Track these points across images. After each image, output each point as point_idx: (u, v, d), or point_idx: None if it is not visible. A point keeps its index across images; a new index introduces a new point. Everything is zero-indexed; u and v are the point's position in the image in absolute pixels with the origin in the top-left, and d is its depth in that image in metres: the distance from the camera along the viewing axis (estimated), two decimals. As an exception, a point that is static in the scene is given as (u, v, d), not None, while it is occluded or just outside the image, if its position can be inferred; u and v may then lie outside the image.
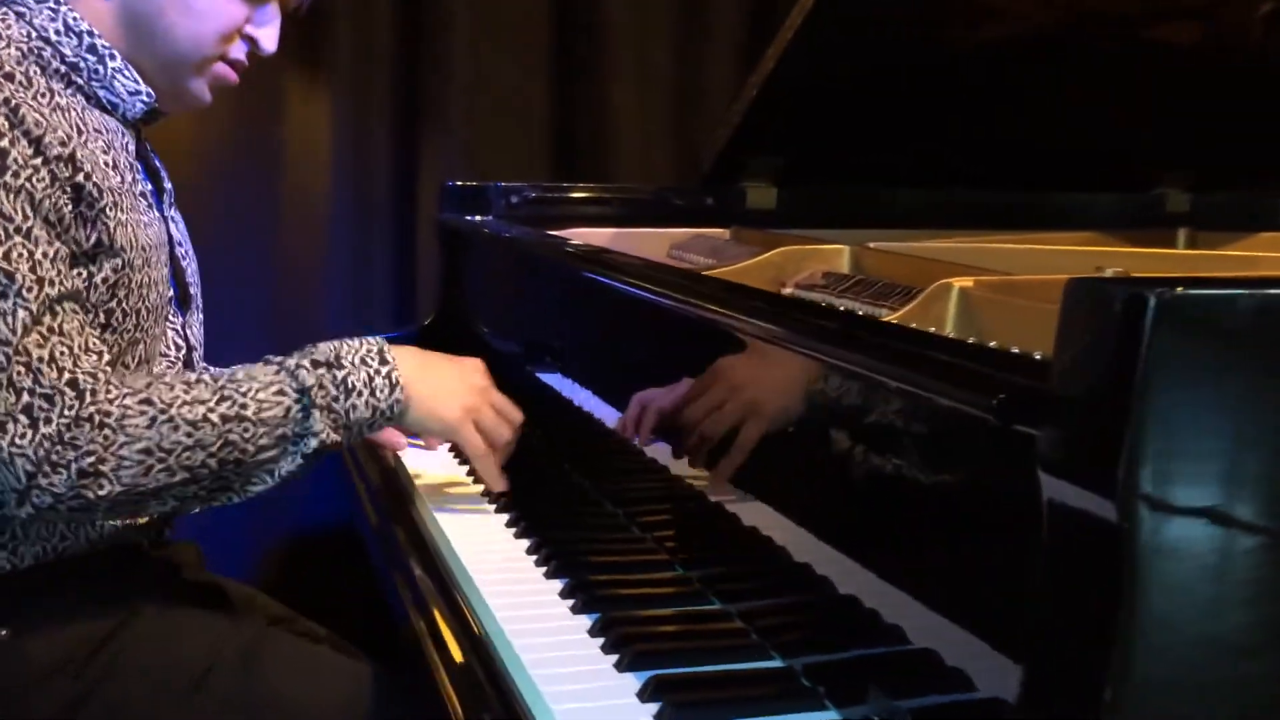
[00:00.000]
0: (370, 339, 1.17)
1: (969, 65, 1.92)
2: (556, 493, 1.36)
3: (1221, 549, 0.59)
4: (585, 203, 2.02)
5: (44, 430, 1.01)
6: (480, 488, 1.33)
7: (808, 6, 1.77)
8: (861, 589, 0.88)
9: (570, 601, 1.04)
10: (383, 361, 1.15)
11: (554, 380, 1.61)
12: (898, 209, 2.09)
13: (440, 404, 1.18)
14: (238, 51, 1.23)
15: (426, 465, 1.45)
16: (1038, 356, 0.69)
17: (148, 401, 1.06)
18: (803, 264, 1.64)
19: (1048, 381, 0.64)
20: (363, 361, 1.14)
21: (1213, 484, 0.59)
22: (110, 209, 1.11)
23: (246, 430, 1.08)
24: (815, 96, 1.95)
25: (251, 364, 1.14)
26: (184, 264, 1.29)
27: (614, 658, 0.93)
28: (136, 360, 1.17)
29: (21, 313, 1.02)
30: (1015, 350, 0.79)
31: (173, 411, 1.06)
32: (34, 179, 1.04)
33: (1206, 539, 0.59)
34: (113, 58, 1.17)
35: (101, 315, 1.12)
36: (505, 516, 1.25)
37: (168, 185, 1.30)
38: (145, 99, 1.20)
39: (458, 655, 0.99)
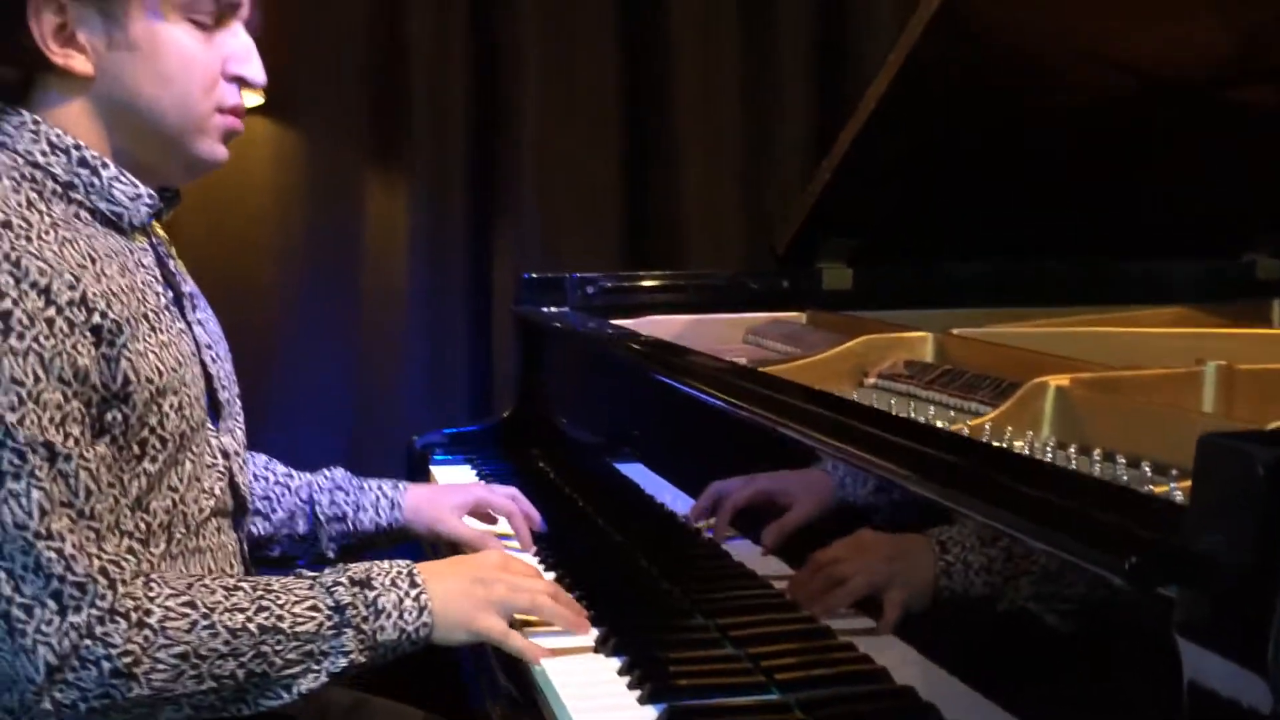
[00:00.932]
0: (400, 562, 1.16)
1: (1047, 134, 1.89)
2: (645, 604, 1.32)
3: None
4: (660, 290, 2.01)
5: (72, 619, 0.99)
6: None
7: (882, 90, 1.76)
8: (970, 715, 0.85)
9: (667, 732, 1.01)
10: (412, 584, 1.13)
11: (635, 471, 1.59)
12: (977, 285, 2.05)
13: (463, 617, 1.15)
14: (230, 96, 1.16)
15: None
16: (1172, 490, 0.65)
17: (191, 604, 1.04)
18: (885, 353, 1.61)
19: (1183, 534, 0.60)
20: (393, 584, 1.13)
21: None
22: (132, 341, 1.07)
23: (279, 643, 1.06)
24: (889, 175, 1.93)
25: (285, 575, 1.13)
26: (213, 369, 1.23)
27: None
28: (185, 481, 1.14)
29: (36, 493, 0.99)
30: (1146, 481, 0.75)
31: (214, 617, 1.04)
32: (42, 336, 1.01)
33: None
34: (105, 166, 1.12)
35: (136, 447, 1.08)
36: (595, 632, 1.22)
37: (187, 288, 1.25)
38: (148, 201, 1.15)
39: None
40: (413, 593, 1.13)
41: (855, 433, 0.98)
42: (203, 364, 1.21)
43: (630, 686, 1.10)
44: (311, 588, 1.10)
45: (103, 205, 1.13)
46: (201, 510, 1.17)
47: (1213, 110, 1.86)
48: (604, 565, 1.46)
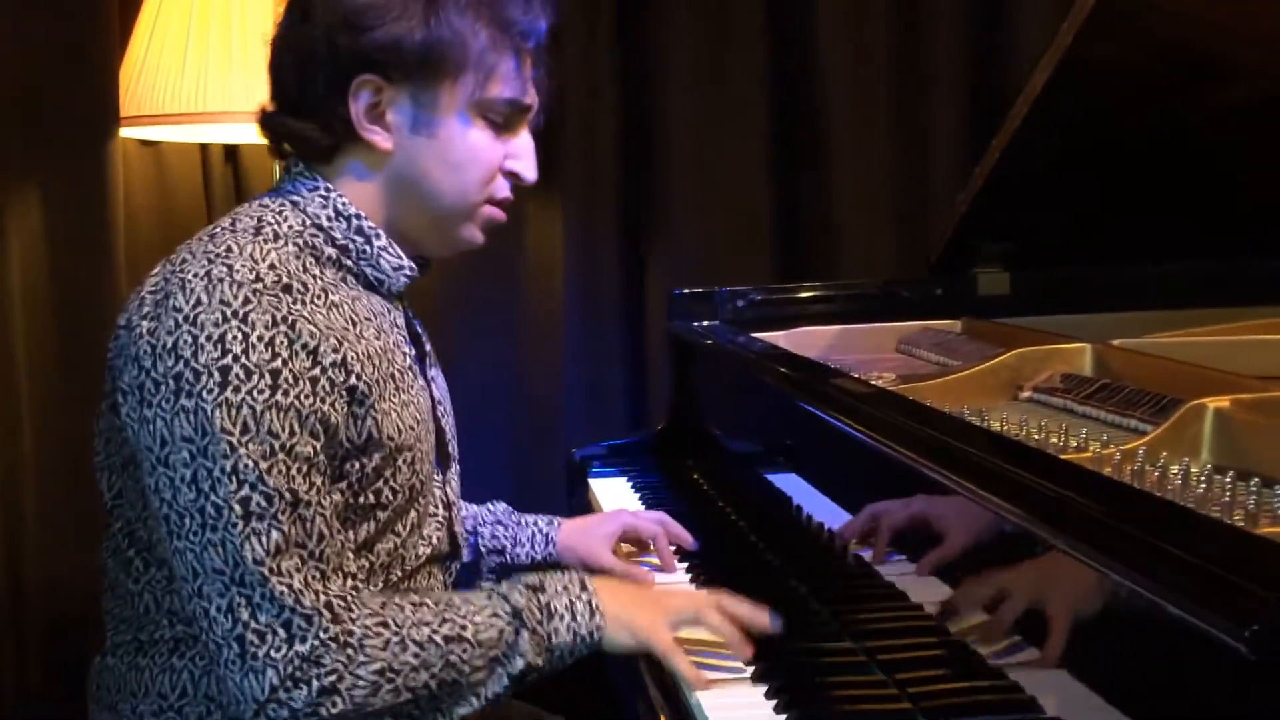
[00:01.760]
0: (571, 572, 1.22)
1: (1213, 129, 1.82)
2: (793, 625, 1.30)
3: None
4: (811, 301, 2.01)
5: (298, 648, 1.06)
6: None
7: (1035, 92, 1.72)
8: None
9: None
10: (582, 588, 1.19)
11: (788, 482, 1.59)
12: (1140, 287, 1.98)
13: (633, 622, 1.20)
14: (502, 190, 1.25)
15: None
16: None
17: (384, 624, 1.10)
18: (1040, 365, 1.58)
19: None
20: (564, 589, 1.19)
21: None
22: (379, 401, 1.16)
23: (465, 651, 1.13)
24: (1045, 178, 1.89)
25: (468, 590, 1.20)
26: (443, 422, 1.33)
27: None
28: (409, 527, 1.23)
29: (275, 534, 1.07)
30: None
31: (404, 632, 1.11)
32: (303, 394, 1.09)
33: None
34: (378, 237, 1.21)
35: (370, 496, 1.17)
36: (751, 668, 1.23)
37: (428, 347, 1.35)
38: (408, 273, 1.24)
39: None
40: (583, 595, 1.19)
41: (983, 471, 0.97)
42: (435, 419, 1.29)
43: (777, 710, 1.12)
44: (490, 597, 1.17)
45: (368, 271, 1.22)
46: (419, 556, 1.26)
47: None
48: (754, 584, 1.47)
